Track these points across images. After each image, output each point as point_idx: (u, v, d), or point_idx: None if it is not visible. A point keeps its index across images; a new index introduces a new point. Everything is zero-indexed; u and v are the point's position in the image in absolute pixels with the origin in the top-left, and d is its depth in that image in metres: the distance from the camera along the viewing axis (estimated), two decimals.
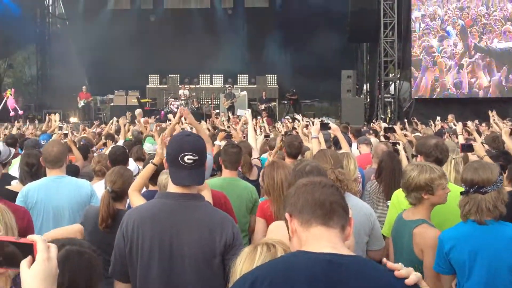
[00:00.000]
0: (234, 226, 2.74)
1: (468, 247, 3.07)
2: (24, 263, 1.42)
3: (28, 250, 1.44)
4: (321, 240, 1.70)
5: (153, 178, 4.07)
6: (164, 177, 3.69)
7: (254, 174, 5.46)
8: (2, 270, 1.51)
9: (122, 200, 3.84)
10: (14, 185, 4.61)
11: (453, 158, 4.24)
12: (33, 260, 1.43)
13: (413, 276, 1.64)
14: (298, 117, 10.65)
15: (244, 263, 1.92)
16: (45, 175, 4.39)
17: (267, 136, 8.48)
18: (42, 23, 26.18)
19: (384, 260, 1.75)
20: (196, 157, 2.67)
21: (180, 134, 2.98)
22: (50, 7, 27.06)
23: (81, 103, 22.00)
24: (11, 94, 20.05)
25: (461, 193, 3.14)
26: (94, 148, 8.08)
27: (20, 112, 20.79)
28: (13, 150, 5.83)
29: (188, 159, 2.66)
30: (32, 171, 4.57)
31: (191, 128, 8.73)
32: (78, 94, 22.12)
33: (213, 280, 2.68)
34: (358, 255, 1.76)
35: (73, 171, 5.57)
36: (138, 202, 3.42)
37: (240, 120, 12.40)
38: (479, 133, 8.10)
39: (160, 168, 3.92)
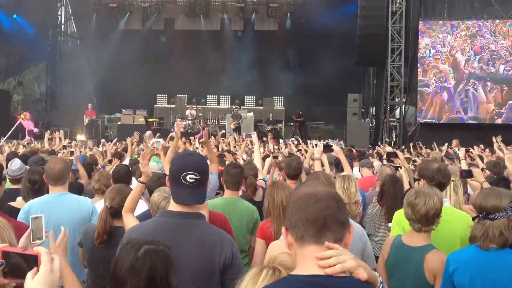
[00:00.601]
0: (233, 245, 2.78)
1: (470, 271, 3.07)
2: (29, 274, 1.48)
3: (33, 261, 1.50)
4: (312, 259, 1.69)
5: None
6: (156, 195, 3.73)
7: (259, 195, 5.48)
8: (7, 280, 1.55)
9: (121, 217, 3.86)
10: (17, 201, 4.65)
11: (452, 181, 4.27)
12: (37, 271, 1.49)
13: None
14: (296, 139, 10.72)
15: (247, 285, 1.93)
16: (47, 192, 4.43)
17: (275, 157, 8.50)
18: (53, 41, 26.53)
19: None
20: (198, 177, 2.71)
21: (183, 153, 3.06)
22: (63, 26, 27.45)
23: (86, 121, 22.16)
24: (23, 118, 19.63)
25: (473, 218, 3.15)
26: (99, 166, 8.14)
27: (36, 130, 20.76)
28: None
29: (190, 178, 2.71)
30: (35, 188, 4.60)
31: (196, 148, 8.83)
32: (84, 112, 22.31)
33: None
34: (351, 276, 1.72)
35: (77, 189, 5.62)
36: (131, 223, 3.46)
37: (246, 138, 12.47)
38: (482, 159, 8.11)
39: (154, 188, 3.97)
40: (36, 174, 4.63)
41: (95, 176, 5.52)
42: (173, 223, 2.75)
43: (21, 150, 10.37)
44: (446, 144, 13.31)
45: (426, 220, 3.29)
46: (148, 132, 15.06)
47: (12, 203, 4.60)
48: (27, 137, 19.13)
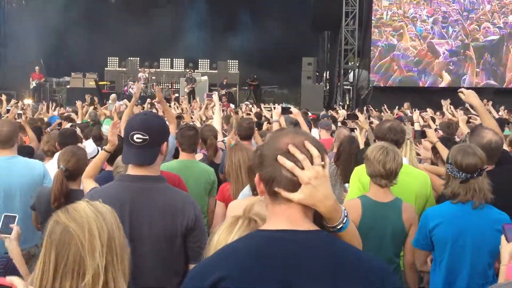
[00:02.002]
0: (196, 208, 2.72)
1: (456, 226, 3.19)
2: None
3: None
4: (283, 216, 1.62)
5: (110, 160, 4.03)
6: (120, 158, 3.65)
7: (219, 157, 5.46)
8: None
9: (76, 179, 3.78)
10: None
11: (407, 139, 4.35)
12: None
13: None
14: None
15: (221, 234, 1.89)
16: None
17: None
18: None
19: None
20: (146, 137, 2.62)
21: (137, 114, 2.95)
22: None
23: (33, 84, 21.33)
24: None
25: (462, 181, 3.20)
26: (49, 129, 7.90)
27: None
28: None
29: (137, 138, 2.62)
30: None
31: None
32: (31, 75, 21.48)
33: (175, 260, 2.68)
34: (321, 230, 1.65)
35: (28, 153, 5.43)
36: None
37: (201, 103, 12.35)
38: (434, 120, 8.35)
39: (115, 154, 3.88)
40: None
41: (43, 138, 5.38)
42: (133, 187, 2.68)
43: None
44: (397, 107, 13.56)
45: (394, 176, 3.36)
46: (113, 95, 14.68)
47: None
48: None
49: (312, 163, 1.59)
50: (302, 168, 1.58)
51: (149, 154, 2.66)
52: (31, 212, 4.01)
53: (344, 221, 1.71)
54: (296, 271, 1.55)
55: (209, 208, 4.58)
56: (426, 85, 20.32)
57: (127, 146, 2.69)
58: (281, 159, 1.58)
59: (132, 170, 2.71)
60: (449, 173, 3.27)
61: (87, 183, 3.52)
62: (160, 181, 2.75)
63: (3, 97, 11.06)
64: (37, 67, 21.66)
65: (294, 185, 1.59)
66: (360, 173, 3.84)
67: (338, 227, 1.70)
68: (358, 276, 1.57)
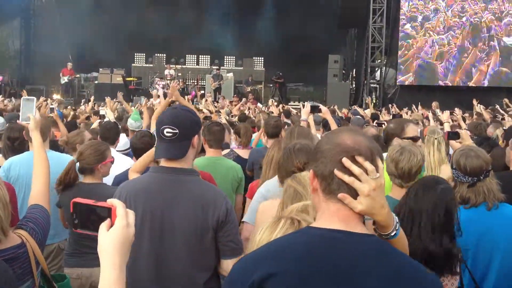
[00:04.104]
0: (227, 202, 2.71)
1: (477, 231, 3.11)
2: (103, 226, 1.43)
3: (106, 214, 1.45)
4: (337, 216, 1.61)
5: (139, 155, 4.03)
6: None
7: (246, 153, 5.51)
8: (79, 232, 1.50)
9: (93, 174, 3.80)
10: None
11: (435, 138, 4.27)
12: (111, 224, 1.44)
13: None
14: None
15: (264, 233, 1.90)
16: (28, 149, 4.30)
17: None
18: None
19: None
20: (176, 130, 2.63)
21: (167, 108, 2.97)
22: None
23: (64, 80, 21.61)
24: None
25: (469, 185, 3.15)
26: (78, 122, 8.02)
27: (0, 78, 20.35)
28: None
29: (167, 132, 2.63)
30: (15, 146, 4.46)
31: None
32: (62, 71, 21.74)
33: (205, 255, 2.67)
34: (374, 235, 1.66)
35: (58, 147, 5.50)
36: None
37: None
38: (464, 120, 8.21)
39: (143, 147, 3.91)
40: (15, 131, 4.48)
41: (67, 135, 5.42)
42: (165, 179, 2.69)
43: None
44: (419, 106, 13.34)
45: (408, 176, 3.28)
46: (154, 91, 14.66)
47: None
48: None
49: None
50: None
51: (179, 147, 2.67)
52: (57, 209, 4.03)
53: (397, 228, 1.72)
54: (349, 278, 1.53)
55: (236, 205, 4.59)
56: (454, 84, 20.04)
57: (159, 140, 2.70)
58: (339, 173, 1.58)
59: (165, 162, 2.72)
60: (456, 178, 3.21)
61: (132, 177, 3.47)
62: (193, 173, 2.75)
63: (24, 93, 11.29)
64: (69, 63, 21.95)
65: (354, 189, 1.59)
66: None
67: (392, 234, 1.71)
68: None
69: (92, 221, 1.46)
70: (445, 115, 6.90)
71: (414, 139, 4.08)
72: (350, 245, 1.57)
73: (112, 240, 1.42)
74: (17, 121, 2.77)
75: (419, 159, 3.32)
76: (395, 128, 4.28)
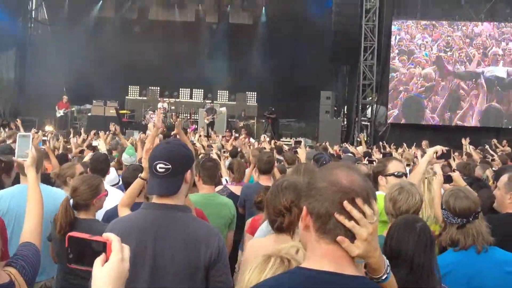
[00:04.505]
0: (220, 240, 2.68)
1: (467, 273, 3.10)
2: (98, 261, 1.42)
3: (101, 248, 1.44)
4: (328, 257, 1.60)
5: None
6: None
7: (238, 189, 5.52)
8: (73, 267, 1.49)
9: (88, 209, 3.76)
10: None
11: (426, 178, 4.31)
12: (106, 259, 1.43)
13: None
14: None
15: (253, 272, 1.88)
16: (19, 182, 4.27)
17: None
18: (23, 27, 25.82)
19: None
20: (169, 166, 2.59)
21: (160, 142, 2.96)
22: (33, 12, 26.73)
23: (60, 113, 21.67)
24: None
25: (458, 227, 3.15)
26: (70, 156, 7.98)
27: None
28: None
29: (159, 167, 2.59)
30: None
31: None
32: (57, 104, 21.80)
33: None
34: (364, 277, 1.66)
35: (45, 180, 5.46)
36: None
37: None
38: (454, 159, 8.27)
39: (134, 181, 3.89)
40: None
41: (62, 167, 5.39)
42: (158, 216, 2.66)
43: None
44: (414, 145, 13.49)
45: None
46: (150, 124, 14.66)
47: None
48: None
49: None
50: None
51: (172, 183, 2.63)
52: (48, 244, 3.98)
53: (387, 271, 1.73)
54: None
55: (227, 241, 4.56)
56: (443, 119, 20.26)
57: (151, 176, 2.67)
58: (340, 218, 1.57)
59: (157, 199, 2.69)
60: (445, 219, 3.22)
61: (122, 212, 3.47)
62: (185, 210, 2.72)
63: (19, 122, 11.27)
64: (64, 96, 22.00)
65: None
66: None
67: (383, 278, 1.71)
68: None
69: (87, 255, 1.45)
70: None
71: (396, 175, 4.11)
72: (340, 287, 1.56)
73: (107, 275, 1.41)
74: (13, 158, 2.74)
75: (417, 200, 3.31)
76: (378, 166, 4.44)
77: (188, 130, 17.95)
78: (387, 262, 1.74)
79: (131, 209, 3.57)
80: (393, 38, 20.64)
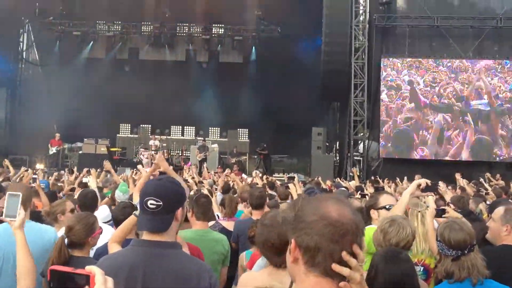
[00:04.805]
0: (211, 276, 2.64)
1: None
2: None
3: (84, 282, 1.43)
4: None
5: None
6: None
7: (231, 225, 5.47)
8: None
9: (82, 248, 3.72)
10: None
11: (419, 211, 4.31)
12: None
13: None
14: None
15: None
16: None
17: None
18: (14, 67, 25.98)
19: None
20: (160, 202, 2.56)
21: (153, 179, 2.94)
22: (24, 53, 26.96)
23: (53, 150, 21.69)
24: None
25: (453, 259, 3.13)
26: (61, 194, 7.91)
27: None
28: None
29: (150, 204, 2.57)
30: None
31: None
32: (50, 141, 21.83)
33: None
34: None
35: (36, 218, 5.38)
36: None
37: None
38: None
39: (124, 218, 3.86)
40: None
41: (52, 204, 5.35)
42: (147, 253, 2.60)
43: None
44: (406, 178, 13.50)
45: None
46: (139, 166, 14.66)
47: None
48: None
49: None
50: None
51: (162, 220, 2.60)
52: (39, 279, 3.92)
53: None
54: None
55: (220, 277, 4.52)
56: (434, 153, 20.38)
57: (142, 212, 2.65)
58: (337, 267, 1.58)
59: (147, 235, 2.65)
60: (440, 251, 3.19)
61: (112, 248, 3.43)
62: (175, 247, 2.68)
63: (6, 162, 11.25)
64: (57, 134, 22.04)
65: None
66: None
67: None
68: None
69: None
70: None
71: (387, 208, 4.13)
72: None
73: None
74: (0, 217, 2.68)
75: (407, 233, 3.30)
76: (370, 200, 4.51)
77: (184, 166, 17.92)
78: None
79: (122, 246, 3.52)
80: (382, 73, 20.95)
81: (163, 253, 2.61)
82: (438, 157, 20.34)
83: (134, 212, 3.65)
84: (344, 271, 1.57)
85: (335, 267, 1.57)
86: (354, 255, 1.60)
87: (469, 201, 7.07)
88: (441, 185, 8.48)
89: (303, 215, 1.64)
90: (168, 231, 2.63)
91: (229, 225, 5.39)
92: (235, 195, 7.89)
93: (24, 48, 26.89)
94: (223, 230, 5.16)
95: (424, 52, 21.17)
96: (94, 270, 1.45)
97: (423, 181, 4.05)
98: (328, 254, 1.57)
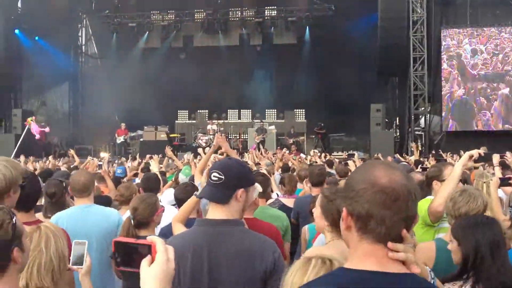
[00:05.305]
0: (275, 251, 2.67)
1: None
2: (145, 262, 1.49)
3: (147, 251, 1.52)
4: (371, 256, 1.58)
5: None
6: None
7: (291, 201, 5.53)
8: (121, 269, 1.57)
9: (148, 226, 3.83)
10: (37, 216, 4.56)
11: (484, 182, 4.18)
12: (152, 260, 1.51)
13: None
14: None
15: (295, 275, 1.87)
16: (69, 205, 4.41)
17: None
18: (75, 62, 26.96)
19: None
20: (222, 176, 2.67)
21: (226, 157, 3.07)
22: (83, 47, 27.86)
23: (121, 139, 22.49)
24: (32, 121, 19.86)
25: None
26: (125, 179, 8.10)
27: (47, 129, 21.19)
28: None
29: (213, 176, 2.69)
30: (53, 201, 4.42)
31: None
32: (117, 131, 22.64)
33: None
34: (411, 273, 1.60)
35: (105, 202, 5.54)
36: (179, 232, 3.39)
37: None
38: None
39: (186, 197, 3.93)
40: (52, 187, 4.46)
41: (118, 188, 5.52)
42: (210, 233, 2.68)
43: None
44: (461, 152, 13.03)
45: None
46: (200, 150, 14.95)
47: (36, 215, 4.51)
48: (37, 137, 19.78)
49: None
50: None
51: (221, 193, 2.69)
52: (106, 261, 4.03)
53: (432, 277, 1.83)
54: None
55: (283, 253, 4.46)
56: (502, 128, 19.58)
57: (206, 184, 2.79)
58: (393, 254, 1.57)
59: (210, 213, 2.73)
60: None
61: (176, 227, 3.53)
62: (237, 224, 2.73)
63: (72, 152, 11.76)
64: (122, 124, 22.85)
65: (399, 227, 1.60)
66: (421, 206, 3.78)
67: None
68: None
69: (134, 258, 1.52)
70: (494, 159, 6.68)
71: None
72: (385, 286, 1.53)
73: (154, 274, 1.47)
74: (68, 265, 2.78)
75: (478, 205, 3.23)
76: (433, 171, 4.37)
77: (249, 149, 18.09)
78: (431, 274, 1.84)
79: (187, 226, 3.58)
80: (442, 44, 20.26)
81: (225, 231, 2.67)
82: (505, 127, 19.52)
83: (195, 192, 3.76)
84: (399, 255, 1.57)
85: (392, 255, 1.57)
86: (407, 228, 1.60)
87: None
88: (508, 155, 8.07)
89: (352, 183, 1.63)
90: (229, 207, 2.69)
91: (289, 202, 5.41)
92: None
93: (83, 42, 27.79)
94: (283, 207, 5.18)
95: (487, 21, 20.27)
96: (155, 239, 1.52)
97: (475, 152, 3.93)
98: (380, 220, 1.56)
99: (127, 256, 1.53)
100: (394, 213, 1.55)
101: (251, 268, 2.58)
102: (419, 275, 1.63)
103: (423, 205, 3.90)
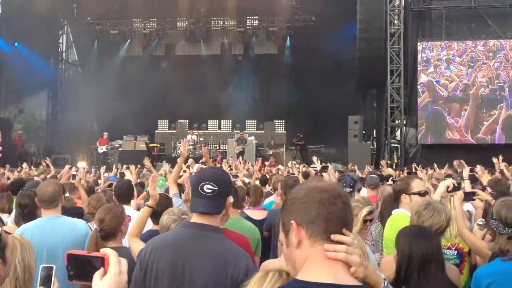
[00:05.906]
0: (249, 263, 2.75)
1: (509, 285, 3.07)
2: (97, 275, 1.50)
3: (100, 263, 1.53)
4: (322, 261, 1.61)
5: (156, 217, 4.06)
6: (165, 217, 3.70)
7: (262, 214, 5.51)
8: (74, 282, 1.59)
9: (115, 237, 3.80)
10: (9, 226, 4.55)
11: (452, 196, 4.29)
12: (105, 273, 1.51)
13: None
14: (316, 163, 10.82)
15: (253, 286, 1.90)
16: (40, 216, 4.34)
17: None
18: (55, 69, 26.70)
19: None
20: (216, 188, 2.75)
21: (208, 167, 3.08)
22: (64, 54, 27.64)
23: (102, 149, 22.30)
24: None
25: (509, 237, 3.15)
26: (99, 190, 8.06)
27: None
28: None
29: (207, 188, 2.76)
30: (25, 212, 4.42)
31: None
32: (98, 141, 22.43)
33: None
34: (363, 285, 1.66)
35: (77, 214, 5.51)
36: (138, 247, 3.36)
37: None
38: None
39: (160, 209, 3.93)
40: (25, 198, 4.48)
41: (88, 200, 5.48)
42: (191, 234, 2.79)
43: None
44: (447, 165, 13.20)
45: None
46: (190, 160, 14.93)
47: (4, 227, 4.49)
48: None
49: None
50: None
51: (217, 204, 2.79)
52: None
53: (386, 285, 1.82)
54: None
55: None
56: (475, 142, 19.87)
57: (196, 197, 2.82)
58: (330, 247, 1.62)
59: (195, 218, 2.82)
60: (495, 229, 3.15)
61: (132, 242, 3.53)
62: (217, 231, 2.83)
63: (48, 161, 11.67)
64: (105, 133, 22.71)
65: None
66: (395, 219, 3.88)
67: None
68: None
69: (86, 271, 1.53)
70: (465, 173, 6.76)
71: (421, 194, 4.09)
72: None
73: (106, 287, 1.48)
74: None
75: (442, 219, 3.35)
76: (400, 184, 4.42)
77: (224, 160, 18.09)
78: (384, 282, 1.81)
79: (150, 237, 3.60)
80: (418, 56, 20.55)
81: (205, 234, 2.78)
82: (479, 141, 19.82)
83: (146, 203, 3.84)
84: (339, 255, 1.61)
85: (327, 247, 1.61)
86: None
87: (506, 183, 6.85)
88: (479, 168, 8.23)
89: (294, 196, 1.71)
90: (214, 216, 2.81)
91: (254, 214, 5.38)
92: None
93: (64, 49, 27.56)
94: (248, 219, 5.15)
95: (462, 34, 20.64)
96: (108, 252, 1.53)
97: (450, 183, 4.17)
98: (327, 217, 1.63)
99: (80, 269, 1.54)
100: (339, 209, 1.64)
101: (224, 272, 2.66)
102: (371, 281, 1.70)
103: (394, 219, 4.00)
